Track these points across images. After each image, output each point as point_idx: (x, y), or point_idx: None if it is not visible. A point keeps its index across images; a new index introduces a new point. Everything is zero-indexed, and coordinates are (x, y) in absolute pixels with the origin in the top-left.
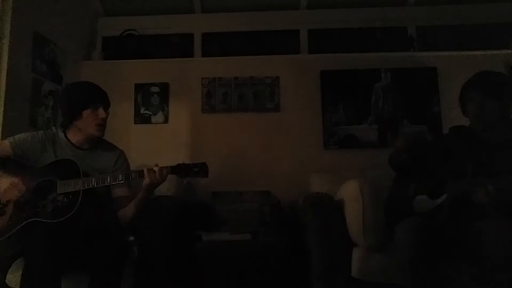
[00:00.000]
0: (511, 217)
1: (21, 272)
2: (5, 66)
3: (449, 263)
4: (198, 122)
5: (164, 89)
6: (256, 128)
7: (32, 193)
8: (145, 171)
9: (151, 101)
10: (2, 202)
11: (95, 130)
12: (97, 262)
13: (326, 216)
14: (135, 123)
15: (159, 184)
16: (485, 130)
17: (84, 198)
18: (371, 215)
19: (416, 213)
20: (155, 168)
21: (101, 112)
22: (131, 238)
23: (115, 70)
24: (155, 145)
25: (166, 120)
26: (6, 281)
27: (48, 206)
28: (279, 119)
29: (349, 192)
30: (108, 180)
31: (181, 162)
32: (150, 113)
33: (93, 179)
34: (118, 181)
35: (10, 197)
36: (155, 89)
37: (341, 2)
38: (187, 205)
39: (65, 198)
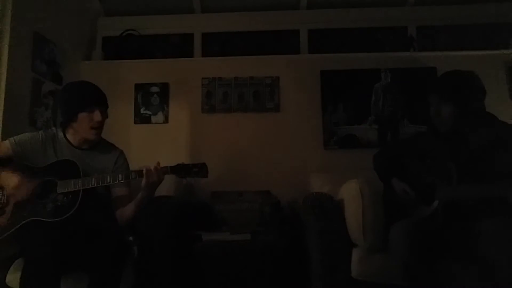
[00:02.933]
0: (509, 217)
1: (20, 272)
2: (5, 66)
3: (444, 264)
4: (198, 122)
5: (164, 89)
6: (256, 128)
7: (32, 193)
8: (144, 171)
9: (151, 101)
10: (2, 202)
11: (90, 133)
12: (96, 262)
13: (326, 216)
14: (135, 123)
15: (158, 184)
16: (466, 133)
17: (84, 198)
18: (370, 215)
19: (410, 215)
20: (152, 168)
21: (97, 115)
22: (131, 238)
23: (115, 70)
24: (155, 145)
25: (166, 120)
26: (6, 281)
27: (48, 206)
28: (279, 119)
29: (349, 192)
30: (108, 180)
31: (181, 162)
32: (150, 113)
33: (92, 179)
34: (118, 181)
35: (20, 195)
36: (155, 89)
37: (341, 2)
38: (187, 205)
39: (65, 198)
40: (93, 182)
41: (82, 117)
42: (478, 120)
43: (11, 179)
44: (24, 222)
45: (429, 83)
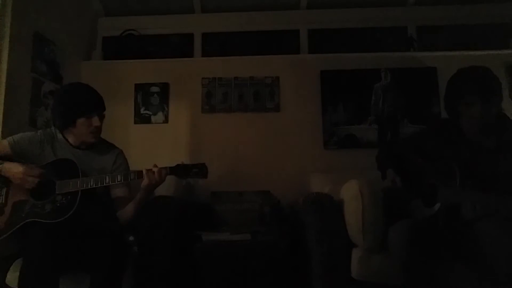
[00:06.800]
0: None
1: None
2: (5, 66)
3: (443, 264)
4: (198, 122)
5: (164, 89)
6: (256, 128)
7: (31, 193)
8: (144, 172)
9: (151, 101)
10: (1, 202)
11: (89, 137)
12: (97, 262)
13: (326, 216)
14: (135, 123)
15: (158, 185)
16: (481, 133)
17: (83, 198)
18: (370, 215)
19: (411, 216)
20: (154, 169)
21: (95, 120)
22: (131, 238)
23: (115, 70)
24: (155, 145)
25: (166, 120)
26: (6, 281)
27: (46, 207)
28: (279, 119)
29: (349, 192)
30: (107, 181)
31: (180, 163)
32: (150, 113)
33: (91, 180)
34: (117, 181)
35: (27, 185)
36: (155, 89)
37: (341, 2)
38: (187, 205)
39: (64, 199)
40: (91, 183)
41: (81, 123)
42: (499, 121)
43: (15, 168)
44: (22, 223)
45: (465, 79)
